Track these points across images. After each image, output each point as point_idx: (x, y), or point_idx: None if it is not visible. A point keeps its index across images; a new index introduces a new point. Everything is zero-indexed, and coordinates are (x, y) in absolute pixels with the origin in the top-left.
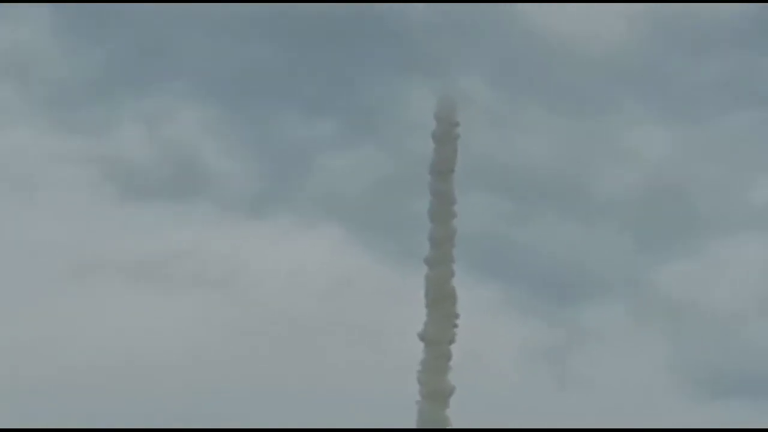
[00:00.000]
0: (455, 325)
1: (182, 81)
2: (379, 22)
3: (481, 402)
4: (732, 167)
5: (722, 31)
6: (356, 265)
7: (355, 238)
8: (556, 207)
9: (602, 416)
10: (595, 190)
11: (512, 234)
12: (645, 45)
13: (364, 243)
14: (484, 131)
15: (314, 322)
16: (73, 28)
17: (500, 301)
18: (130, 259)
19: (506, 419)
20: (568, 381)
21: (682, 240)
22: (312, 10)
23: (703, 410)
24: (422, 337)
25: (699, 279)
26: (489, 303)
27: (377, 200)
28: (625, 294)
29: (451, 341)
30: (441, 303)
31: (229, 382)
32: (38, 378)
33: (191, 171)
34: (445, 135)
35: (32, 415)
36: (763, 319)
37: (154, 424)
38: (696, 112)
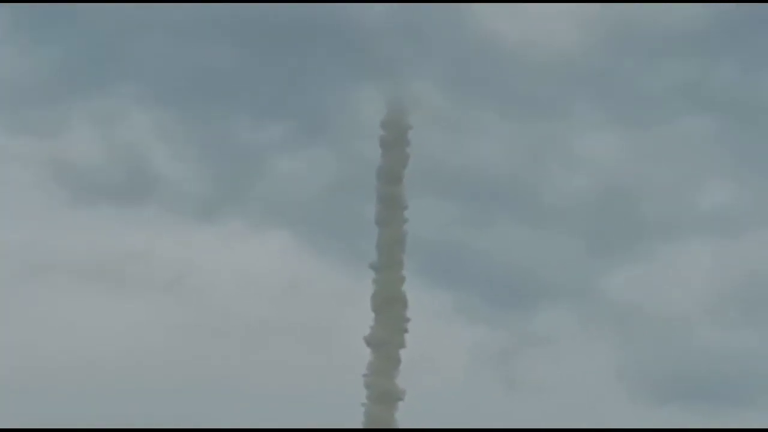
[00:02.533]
0: (405, 330)
1: (134, 83)
2: (331, 26)
3: (430, 405)
4: (681, 172)
5: (674, 37)
6: (305, 268)
7: (305, 242)
8: (507, 212)
9: (551, 420)
10: (545, 195)
11: (463, 239)
12: (597, 50)
13: (314, 247)
14: (435, 135)
15: (263, 324)
16: (25, 28)
17: (451, 305)
18: (81, 261)
19: (455, 422)
20: (517, 385)
21: (631, 245)
22: (263, 13)
23: (651, 413)
24: (368, 341)
25: (647, 283)
26: (439, 307)
27: (327, 204)
28: (574, 298)
29: (401, 345)
30: (389, 307)
31: (179, 384)
32: None
33: (142, 173)
34: (394, 140)
35: None
36: (710, 324)
37: (104, 424)
38: (646, 118)
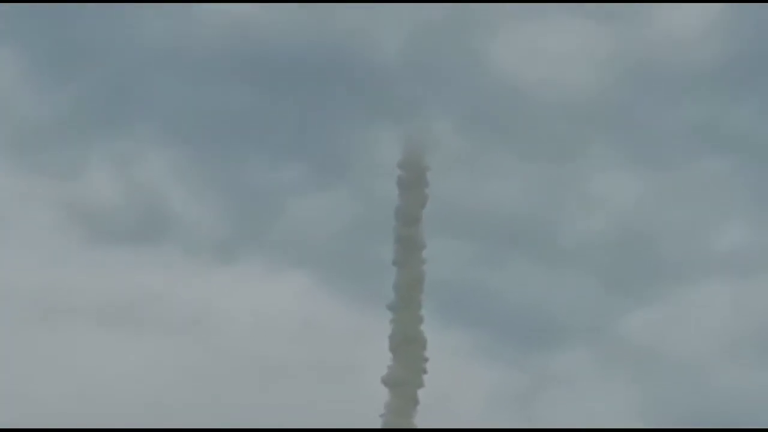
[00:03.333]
0: (424, 370)
1: (151, 124)
2: (349, 67)
3: None
4: (698, 214)
5: (691, 76)
6: (323, 309)
7: (323, 283)
8: (525, 253)
9: None
10: (563, 236)
11: (482, 279)
12: (614, 91)
13: (331, 287)
14: (453, 176)
15: (281, 365)
16: (41, 68)
17: (469, 345)
18: (99, 303)
19: None
20: (535, 425)
21: (649, 286)
22: (281, 52)
23: None
24: (386, 381)
25: (665, 325)
26: (458, 347)
27: (345, 245)
28: (592, 339)
29: (419, 385)
30: (407, 347)
31: (197, 424)
32: (5, 423)
33: (159, 214)
34: (412, 180)
35: None
36: (727, 365)
37: None
38: (664, 159)
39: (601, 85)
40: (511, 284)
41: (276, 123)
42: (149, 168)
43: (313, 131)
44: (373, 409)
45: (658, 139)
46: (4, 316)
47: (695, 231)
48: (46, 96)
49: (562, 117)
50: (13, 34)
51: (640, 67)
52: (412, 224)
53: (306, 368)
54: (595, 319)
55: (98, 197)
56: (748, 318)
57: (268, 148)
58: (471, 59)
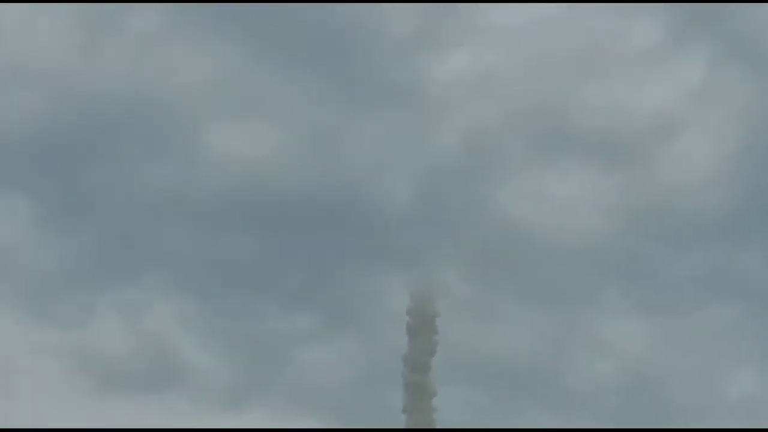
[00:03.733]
0: None
1: (159, 272)
2: (356, 214)
3: None
4: (708, 361)
5: (699, 225)
6: None
7: None
8: (534, 399)
9: None
10: (572, 382)
11: (491, 426)
12: (622, 237)
13: None
14: (462, 322)
15: None
16: (50, 218)
17: None
18: None
19: None
20: None
21: None
22: (290, 199)
23: None
24: None
25: None
26: None
27: (354, 393)
28: None
29: None
30: None
31: None
32: None
33: (168, 363)
34: (421, 327)
35: None
36: None
37: None
38: (672, 305)
39: (609, 231)
40: None
41: (285, 270)
42: (157, 317)
43: (322, 278)
44: None
45: (666, 286)
46: None
47: (704, 378)
48: (56, 245)
49: (570, 263)
50: (23, 184)
51: (648, 214)
52: (421, 371)
53: None
54: None
55: (107, 346)
56: None
57: (277, 296)
58: (479, 206)
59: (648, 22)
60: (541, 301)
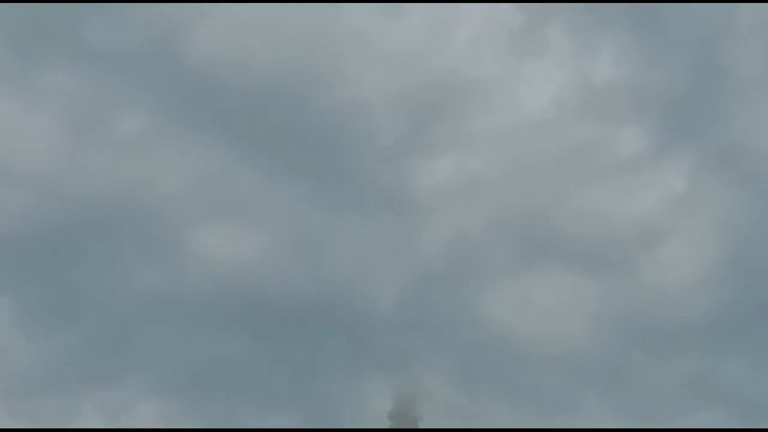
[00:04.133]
0: None
1: (142, 374)
2: (342, 318)
3: None
4: None
5: (683, 332)
6: None
7: None
8: None
9: None
10: None
11: None
12: (605, 344)
13: None
14: (444, 427)
15: None
16: (32, 317)
17: None
18: None
19: None
20: None
21: None
22: (272, 303)
23: None
24: None
25: None
26: None
27: None
28: None
29: None
30: None
31: None
32: None
33: None
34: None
35: None
36: None
37: None
38: (656, 413)
39: (592, 338)
40: None
41: (268, 373)
42: (139, 418)
43: (306, 381)
44: None
45: (649, 394)
46: None
47: None
48: (37, 345)
49: (553, 370)
50: (6, 284)
51: (631, 321)
52: None
53: None
54: None
55: None
56: None
57: (260, 398)
58: (464, 311)
59: (632, 129)
60: (525, 407)
